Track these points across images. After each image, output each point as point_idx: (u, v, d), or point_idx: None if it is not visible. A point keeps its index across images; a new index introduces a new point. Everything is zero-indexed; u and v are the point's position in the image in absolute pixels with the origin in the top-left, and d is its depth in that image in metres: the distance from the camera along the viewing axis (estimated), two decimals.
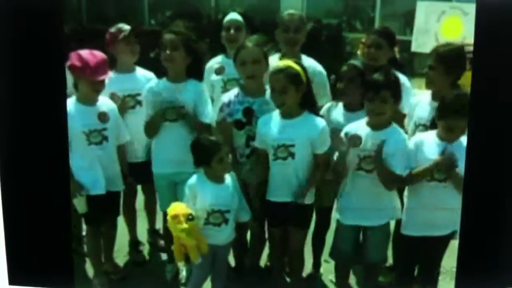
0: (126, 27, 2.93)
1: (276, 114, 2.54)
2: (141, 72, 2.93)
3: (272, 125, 2.52)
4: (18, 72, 2.14)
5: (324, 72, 2.88)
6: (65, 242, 2.36)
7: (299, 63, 2.55)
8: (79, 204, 2.67)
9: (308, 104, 2.53)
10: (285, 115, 2.52)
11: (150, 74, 2.84)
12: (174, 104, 2.67)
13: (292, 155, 2.49)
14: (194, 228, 2.41)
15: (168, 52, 2.64)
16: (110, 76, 2.82)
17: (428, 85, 2.71)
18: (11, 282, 2.33)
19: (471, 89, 2.15)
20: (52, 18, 2.09)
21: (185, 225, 2.38)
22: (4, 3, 2.07)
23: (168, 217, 2.41)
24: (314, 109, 2.56)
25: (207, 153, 2.45)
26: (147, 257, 3.21)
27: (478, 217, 2.22)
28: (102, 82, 2.69)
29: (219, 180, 2.51)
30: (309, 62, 2.81)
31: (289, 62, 2.51)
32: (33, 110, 2.17)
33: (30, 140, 2.19)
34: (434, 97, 2.66)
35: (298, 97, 2.48)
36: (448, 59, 2.59)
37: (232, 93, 2.67)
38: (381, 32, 2.97)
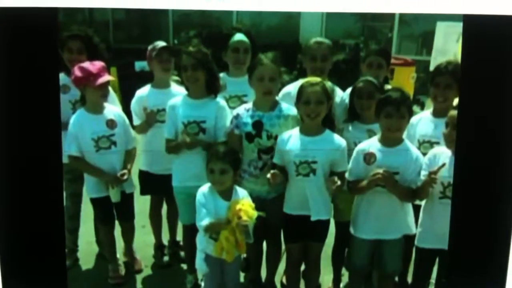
0: (161, 44, 3.06)
1: (296, 132, 2.59)
2: (176, 89, 3.03)
3: (294, 142, 2.56)
4: (12, 84, 2.16)
5: (340, 92, 2.91)
6: (59, 249, 2.34)
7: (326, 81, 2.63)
8: (115, 194, 2.86)
9: (329, 122, 2.59)
10: (307, 132, 2.57)
11: (184, 91, 2.88)
12: (196, 119, 2.75)
13: (313, 171, 2.53)
14: (246, 228, 2.46)
15: (189, 73, 2.73)
16: (146, 91, 3.04)
17: (438, 104, 2.73)
18: None
19: (459, 102, 2.21)
20: (47, 34, 2.11)
21: (246, 222, 2.42)
22: None
23: (237, 211, 2.43)
24: (334, 128, 2.61)
25: (206, 160, 2.55)
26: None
27: (467, 228, 2.26)
28: (106, 86, 2.86)
29: (225, 196, 2.52)
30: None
31: (320, 78, 2.60)
32: (26, 113, 2.17)
33: (23, 145, 2.19)
34: (436, 114, 2.70)
35: (326, 112, 2.55)
36: (448, 75, 2.63)
37: (244, 107, 2.73)
38: (381, 52, 3.04)
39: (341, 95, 2.90)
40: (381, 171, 2.44)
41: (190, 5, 2.20)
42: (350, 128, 2.75)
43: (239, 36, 2.98)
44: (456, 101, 2.59)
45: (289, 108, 2.70)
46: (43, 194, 2.23)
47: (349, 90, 2.85)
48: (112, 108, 2.94)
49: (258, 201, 2.61)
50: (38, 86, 2.14)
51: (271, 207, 2.67)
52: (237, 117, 2.69)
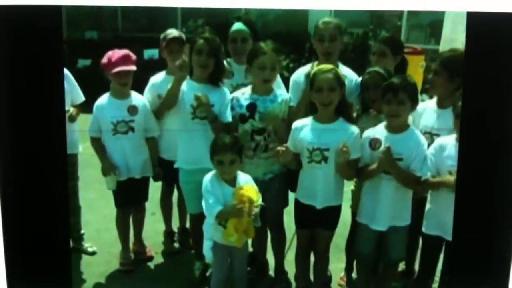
0: (172, 34, 3.08)
1: (310, 119, 2.60)
2: None
3: (308, 129, 2.58)
4: (17, 78, 2.19)
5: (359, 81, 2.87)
6: (64, 248, 2.39)
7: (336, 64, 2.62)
8: (109, 182, 2.95)
9: (343, 110, 2.59)
10: (321, 120, 2.58)
11: None
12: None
13: (325, 159, 2.54)
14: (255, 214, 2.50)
15: (204, 58, 2.74)
16: (160, 78, 3.08)
17: (432, 91, 2.76)
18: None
19: (462, 93, 2.22)
20: (51, 29, 2.14)
21: (254, 207, 2.46)
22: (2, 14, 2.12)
23: (241, 197, 2.47)
24: (348, 117, 2.61)
25: (211, 151, 2.56)
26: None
27: (470, 222, 2.28)
28: (127, 76, 2.92)
29: (231, 182, 2.55)
30: (346, 71, 2.83)
31: (332, 65, 2.59)
32: (31, 111, 2.21)
33: (28, 142, 2.23)
34: (439, 104, 2.70)
35: (338, 100, 2.54)
36: (452, 64, 2.59)
37: (241, 92, 2.78)
38: (386, 40, 3.02)
39: (355, 79, 2.87)
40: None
41: (199, 3, 2.20)
42: (364, 118, 2.74)
43: (236, 26, 3.00)
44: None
45: (283, 94, 2.76)
46: (47, 192, 2.26)
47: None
48: (137, 96, 3.02)
49: (256, 183, 2.63)
50: (42, 83, 2.18)
51: (268, 188, 2.71)
52: (232, 99, 2.75)
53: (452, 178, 2.41)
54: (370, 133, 2.58)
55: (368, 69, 2.77)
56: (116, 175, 2.94)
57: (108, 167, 2.94)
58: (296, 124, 2.61)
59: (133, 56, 2.94)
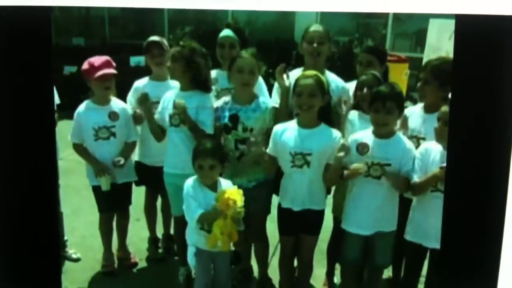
0: (152, 38, 3.15)
1: (292, 124, 2.62)
2: (174, 82, 3.06)
3: (290, 134, 2.59)
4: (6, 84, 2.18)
5: (347, 87, 2.94)
6: (53, 252, 2.36)
7: (322, 75, 2.65)
8: (104, 183, 2.95)
9: (326, 117, 2.61)
10: (303, 125, 2.60)
11: None
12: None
13: (308, 163, 2.56)
14: (239, 217, 2.51)
15: (169, 64, 2.85)
16: (144, 83, 3.15)
17: (422, 99, 2.79)
18: None
19: (450, 100, 2.23)
20: (41, 35, 2.13)
21: (239, 209, 2.47)
22: None
23: (226, 200, 2.46)
24: (330, 122, 2.63)
25: (193, 155, 2.58)
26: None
27: (459, 225, 2.28)
28: (109, 80, 2.97)
29: (212, 187, 2.55)
30: (332, 77, 2.89)
31: (315, 72, 2.62)
32: (20, 113, 2.19)
33: (17, 146, 2.21)
34: (426, 109, 2.73)
35: (320, 106, 2.57)
36: (440, 72, 2.64)
37: (223, 100, 2.80)
38: (373, 50, 3.06)
39: (341, 85, 2.92)
40: (362, 166, 2.48)
41: (187, 4, 2.22)
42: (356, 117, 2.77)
43: (225, 32, 3.05)
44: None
45: (266, 102, 2.77)
46: (37, 194, 2.24)
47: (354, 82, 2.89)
48: (118, 102, 3.06)
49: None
50: (31, 86, 2.16)
51: (252, 196, 2.70)
52: (216, 110, 2.77)
53: (439, 171, 2.41)
54: (357, 137, 2.60)
55: (365, 73, 2.80)
56: (109, 174, 2.96)
57: (100, 168, 2.95)
58: (277, 128, 2.63)
59: (113, 62, 2.99)
